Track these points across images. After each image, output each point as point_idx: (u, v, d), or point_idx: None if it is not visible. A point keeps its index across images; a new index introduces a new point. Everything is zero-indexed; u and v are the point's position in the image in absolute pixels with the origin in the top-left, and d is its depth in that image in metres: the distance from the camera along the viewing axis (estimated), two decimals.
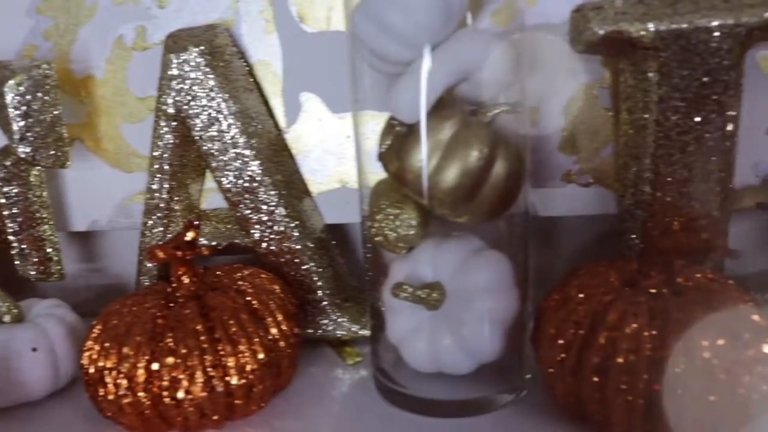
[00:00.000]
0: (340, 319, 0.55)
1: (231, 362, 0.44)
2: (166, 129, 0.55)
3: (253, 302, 0.47)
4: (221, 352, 0.44)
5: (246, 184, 0.54)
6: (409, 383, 0.47)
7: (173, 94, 0.54)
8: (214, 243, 0.58)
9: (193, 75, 0.53)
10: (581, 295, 0.42)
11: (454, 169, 0.41)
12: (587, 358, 0.39)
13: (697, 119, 0.47)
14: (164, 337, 0.44)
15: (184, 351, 0.43)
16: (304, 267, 0.55)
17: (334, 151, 0.57)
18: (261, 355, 0.45)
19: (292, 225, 0.55)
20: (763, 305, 0.41)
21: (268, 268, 0.54)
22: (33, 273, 0.60)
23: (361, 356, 0.54)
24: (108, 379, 0.44)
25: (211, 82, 0.53)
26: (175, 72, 0.53)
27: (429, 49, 0.41)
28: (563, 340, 0.41)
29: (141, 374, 0.43)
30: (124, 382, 0.43)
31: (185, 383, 0.43)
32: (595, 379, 0.39)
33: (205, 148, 0.54)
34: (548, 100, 0.53)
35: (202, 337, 0.44)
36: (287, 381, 0.49)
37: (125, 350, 0.44)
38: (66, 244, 0.65)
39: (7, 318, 0.51)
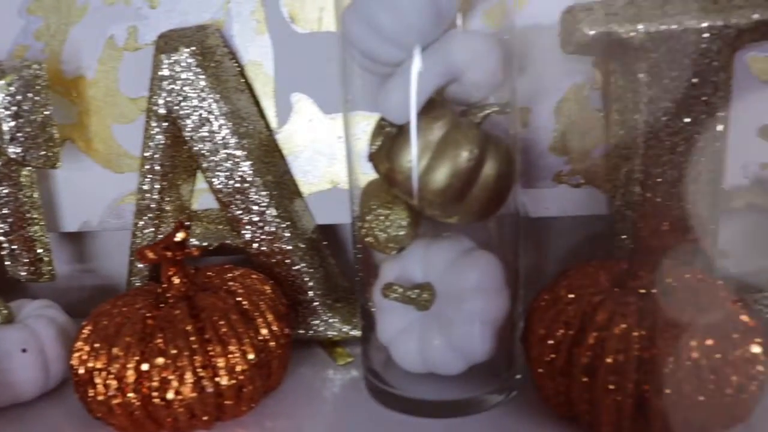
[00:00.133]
0: (331, 320, 0.55)
1: (221, 363, 0.44)
2: (157, 129, 0.55)
3: (244, 303, 0.47)
4: (211, 353, 0.44)
5: (237, 185, 0.54)
6: (399, 384, 0.47)
7: (164, 94, 0.54)
8: (205, 244, 0.58)
9: (184, 75, 0.53)
10: (571, 296, 0.42)
11: (444, 169, 0.41)
12: (576, 358, 0.39)
13: (687, 120, 0.47)
14: (154, 338, 0.44)
15: (173, 351, 0.43)
16: (295, 268, 0.55)
17: (326, 152, 0.57)
18: (251, 356, 0.45)
19: (283, 226, 0.55)
20: (752, 306, 0.42)
21: (260, 269, 0.54)
22: (24, 274, 0.60)
23: (352, 357, 0.54)
24: (98, 380, 0.44)
25: (202, 83, 0.53)
26: (166, 72, 0.53)
27: (419, 50, 0.41)
28: (553, 341, 0.41)
29: (131, 375, 0.43)
30: (113, 383, 0.43)
31: (175, 384, 0.43)
32: (585, 379, 0.39)
33: (196, 148, 0.54)
34: (539, 101, 0.53)
35: (192, 338, 0.44)
36: (278, 381, 0.49)
37: (115, 351, 0.44)
38: (57, 245, 0.65)
39: None
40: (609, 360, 0.38)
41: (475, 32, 0.44)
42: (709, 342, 0.37)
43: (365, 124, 0.46)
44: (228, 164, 0.54)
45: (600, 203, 0.54)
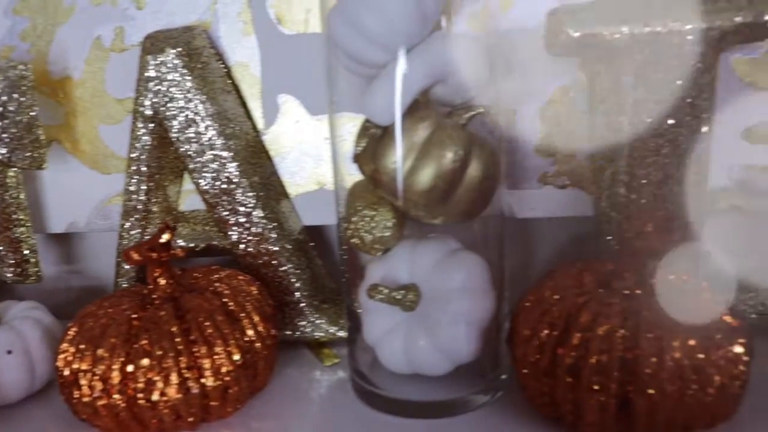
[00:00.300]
0: (317, 321, 0.55)
1: (206, 364, 0.44)
2: (143, 130, 0.55)
3: (230, 304, 0.47)
4: (197, 354, 0.44)
5: (224, 186, 0.54)
6: (385, 384, 0.47)
7: (151, 95, 0.54)
8: (192, 245, 0.58)
9: (170, 76, 0.53)
10: (556, 296, 0.42)
11: (428, 170, 0.41)
12: (561, 358, 0.39)
13: (672, 122, 0.47)
14: (139, 339, 0.44)
15: (159, 352, 0.43)
16: (281, 269, 0.55)
17: (312, 153, 0.57)
18: (237, 357, 0.45)
19: (270, 227, 0.55)
20: (736, 306, 0.42)
21: (246, 270, 0.54)
22: (10, 275, 0.59)
23: (339, 358, 0.54)
24: (83, 381, 0.44)
25: (189, 84, 0.53)
26: (152, 73, 0.53)
27: (404, 51, 0.41)
28: (537, 341, 0.41)
29: (116, 376, 0.43)
30: (98, 384, 0.43)
31: (160, 385, 0.43)
32: (569, 379, 0.39)
33: (182, 149, 0.54)
34: (525, 103, 0.53)
35: (178, 339, 0.44)
36: (264, 382, 0.49)
37: (100, 352, 0.43)
38: (44, 246, 0.64)
39: None
40: (593, 360, 0.38)
41: (460, 34, 0.44)
42: (692, 342, 0.38)
43: (351, 125, 0.46)
44: (214, 165, 0.54)
45: (585, 204, 0.54)
